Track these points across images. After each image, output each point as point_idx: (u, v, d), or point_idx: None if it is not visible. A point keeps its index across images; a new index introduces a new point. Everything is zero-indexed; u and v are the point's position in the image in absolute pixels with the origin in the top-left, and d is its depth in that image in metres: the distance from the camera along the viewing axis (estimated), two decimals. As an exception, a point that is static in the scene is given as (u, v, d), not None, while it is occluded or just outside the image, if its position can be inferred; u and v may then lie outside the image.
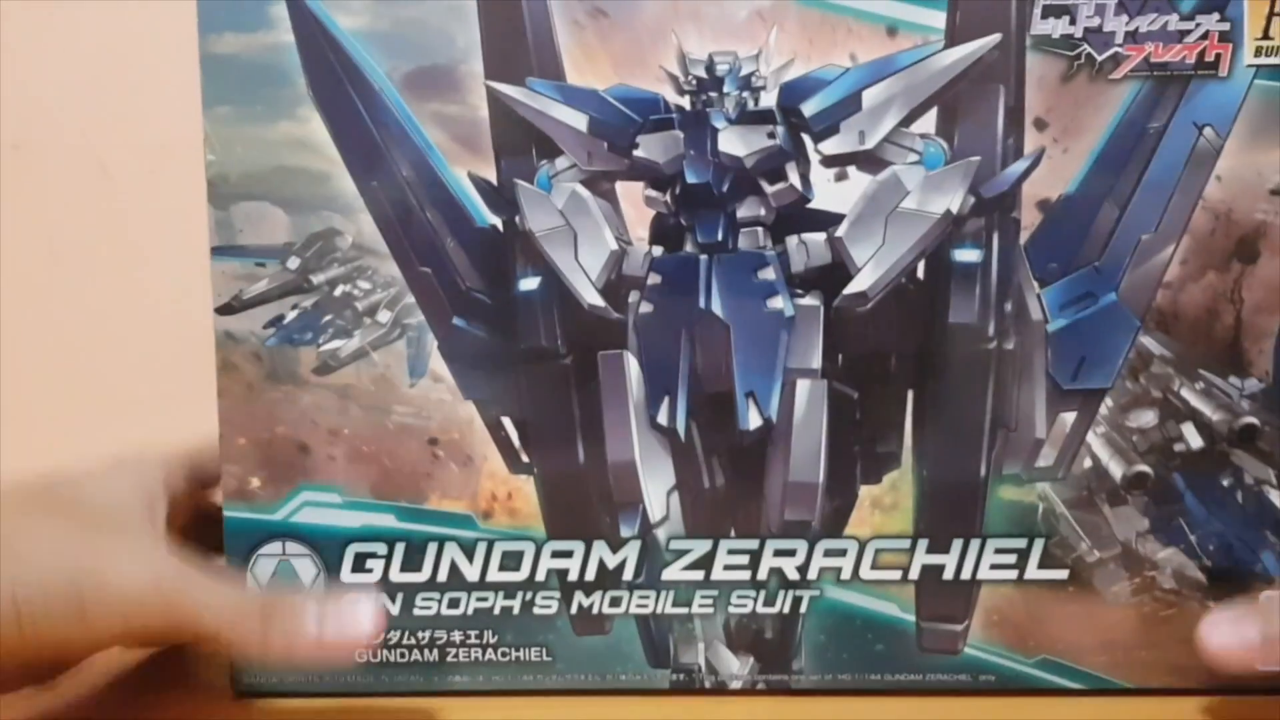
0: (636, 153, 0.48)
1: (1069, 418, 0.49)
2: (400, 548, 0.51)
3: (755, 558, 0.50)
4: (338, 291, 0.50)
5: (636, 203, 0.49)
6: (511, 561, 0.51)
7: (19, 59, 0.65)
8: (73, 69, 0.64)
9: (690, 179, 0.48)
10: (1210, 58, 0.47)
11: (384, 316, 0.50)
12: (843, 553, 0.50)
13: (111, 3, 0.59)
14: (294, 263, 0.50)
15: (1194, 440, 0.49)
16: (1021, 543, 0.50)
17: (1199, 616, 0.49)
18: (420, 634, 0.51)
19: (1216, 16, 0.47)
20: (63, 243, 0.64)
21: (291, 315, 0.51)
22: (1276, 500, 0.50)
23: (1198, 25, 0.47)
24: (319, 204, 0.50)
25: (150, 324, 0.67)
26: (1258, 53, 0.47)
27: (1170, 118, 0.48)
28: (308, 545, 0.51)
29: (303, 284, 0.50)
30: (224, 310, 0.50)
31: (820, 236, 0.48)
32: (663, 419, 0.49)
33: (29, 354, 0.68)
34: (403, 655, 0.51)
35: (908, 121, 0.48)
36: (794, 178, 0.48)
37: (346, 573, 0.51)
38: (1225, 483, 0.50)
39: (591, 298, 0.49)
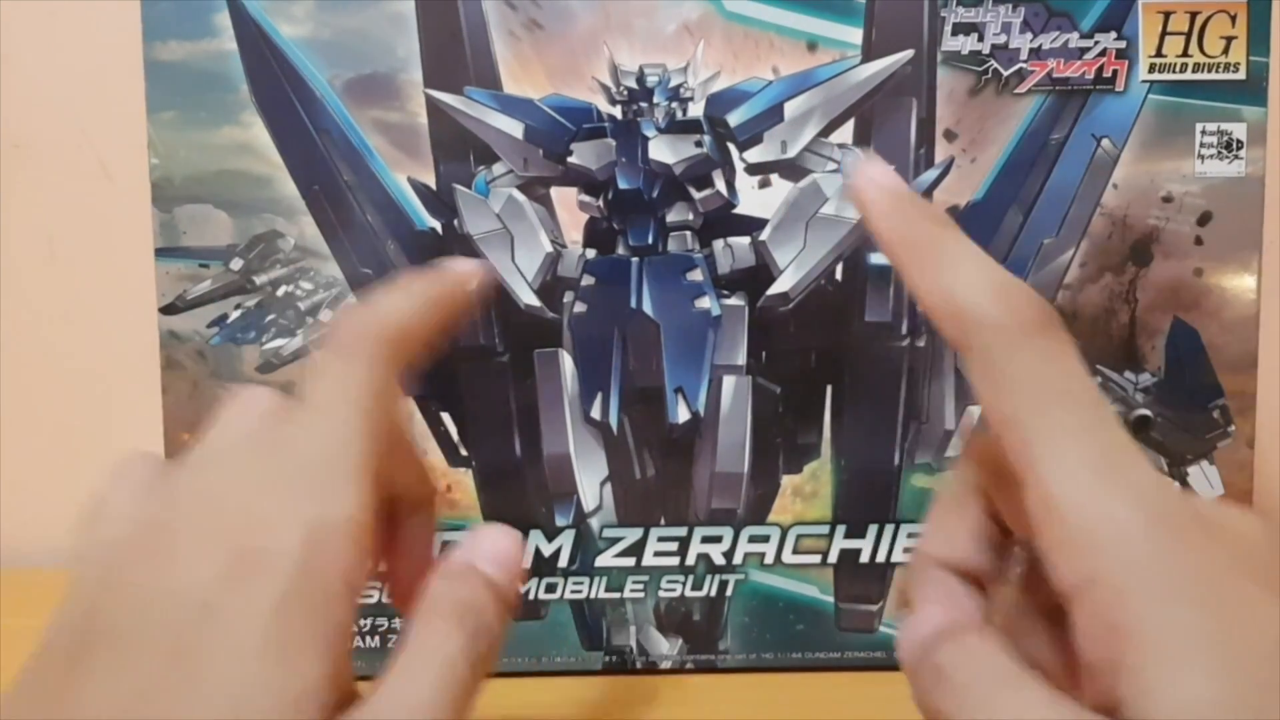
0: (570, 160, 0.50)
1: (976, 410, 0.52)
2: (343, 539, 0.52)
3: (684, 544, 0.53)
4: (280, 292, 0.52)
5: (570, 207, 0.51)
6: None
7: (19, 59, 0.65)
8: (73, 69, 0.64)
9: (622, 185, 0.50)
10: (1108, 73, 0.51)
11: (326, 316, 0.52)
12: (766, 539, 0.53)
13: (112, 4, 0.59)
14: (237, 264, 0.51)
15: (1092, 431, 0.53)
16: (933, 528, 0.53)
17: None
18: (362, 622, 0.53)
19: (1114, 35, 0.50)
20: (62, 243, 0.64)
21: (235, 315, 0.52)
22: (1167, 486, 0.53)
23: (1096, 43, 0.50)
24: (261, 207, 0.51)
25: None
26: (1151, 69, 0.50)
27: (1071, 129, 0.51)
28: (252, 537, 0.52)
29: (246, 284, 0.52)
30: (168, 310, 0.52)
31: (745, 240, 0.51)
32: (596, 414, 0.52)
33: (29, 355, 0.68)
34: (346, 642, 0.53)
35: (827, 132, 0.50)
36: (720, 184, 0.51)
37: (290, 563, 0.52)
38: (1121, 470, 0.53)
39: (528, 298, 0.51)
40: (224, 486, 0.29)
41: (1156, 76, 0.51)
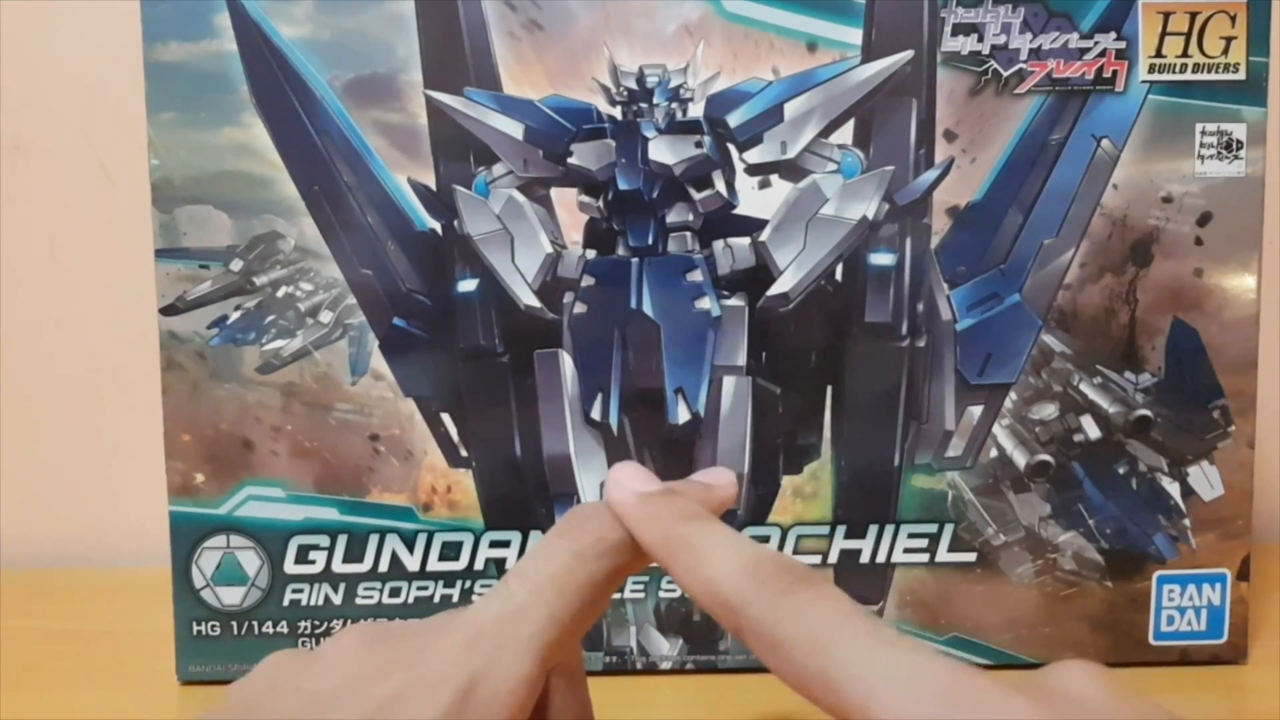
0: (570, 160, 0.50)
1: (976, 410, 0.52)
2: (343, 540, 0.53)
3: (684, 545, 0.53)
4: (280, 293, 0.52)
5: (571, 208, 0.51)
6: (451, 552, 0.53)
7: (19, 59, 0.66)
8: (73, 69, 0.65)
9: (622, 186, 0.50)
10: (1108, 74, 0.51)
11: (326, 317, 0.52)
12: (766, 539, 0.53)
13: (112, 4, 0.60)
14: (237, 265, 0.51)
15: (1092, 431, 0.53)
16: (933, 528, 0.53)
17: (1098, 596, 0.53)
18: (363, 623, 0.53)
19: (1113, 35, 0.50)
20: (62, 243, 0.64)
21: (235, 316, 0.52)
22: (1168, 487, 0.53)
23: (1096, 43, 0.50)
24: (261, 208, 0.51)
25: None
26: (1151, 69, 0.51)
27: (1070, 130, 0.51)
28: (251, 538, 0.53)
29: (246, 285, 0.52)
30: (168, 311, 0.52)
31: (745, 241, 0.51)
32: (596, 414, 0.52)
33: (29, 355, 0.68)
34: (346, 642, 0.53)
35: (827, 132, 0.50)
36: (720, 185, 0.51)
37: (290, 564, 0.53)
38: (1121, 471, 0.53)
39: (527, 299, 0.51)
40: (410, 631, 0.32)
41: (1156, 77, 0.51)
